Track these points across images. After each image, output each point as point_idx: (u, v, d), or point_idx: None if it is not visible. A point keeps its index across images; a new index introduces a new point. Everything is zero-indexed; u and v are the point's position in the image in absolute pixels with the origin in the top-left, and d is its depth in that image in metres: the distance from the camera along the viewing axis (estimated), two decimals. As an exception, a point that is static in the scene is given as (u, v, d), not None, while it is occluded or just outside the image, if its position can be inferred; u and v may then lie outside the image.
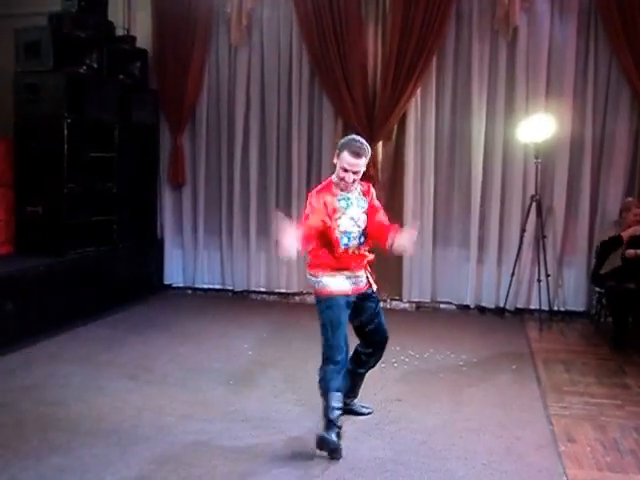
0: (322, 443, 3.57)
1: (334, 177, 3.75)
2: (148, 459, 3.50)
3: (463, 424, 4.06)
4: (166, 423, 3.98)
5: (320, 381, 3.72)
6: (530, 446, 3.77)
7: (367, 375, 4.61)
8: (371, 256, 3.90)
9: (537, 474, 3.44)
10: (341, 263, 3.74)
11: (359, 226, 3.75)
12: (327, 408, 3.64)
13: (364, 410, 4.17)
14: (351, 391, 4.07)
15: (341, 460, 3.54)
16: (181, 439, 3.76)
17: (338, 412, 3.64)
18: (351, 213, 3.72)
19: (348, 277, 3.77)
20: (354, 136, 3.80)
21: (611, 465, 3.56)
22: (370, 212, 3.80)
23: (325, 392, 3.68)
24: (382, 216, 3.87)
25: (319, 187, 3.84)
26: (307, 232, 3.55)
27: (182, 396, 4.44)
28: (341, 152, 3.65)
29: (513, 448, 3.74)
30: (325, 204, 3.67)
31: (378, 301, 4.05)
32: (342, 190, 3.72)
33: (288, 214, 7.04)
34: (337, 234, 3.68)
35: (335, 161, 3.70)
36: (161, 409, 4.20)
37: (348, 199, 3.73)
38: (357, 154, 3.62)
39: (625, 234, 5.99)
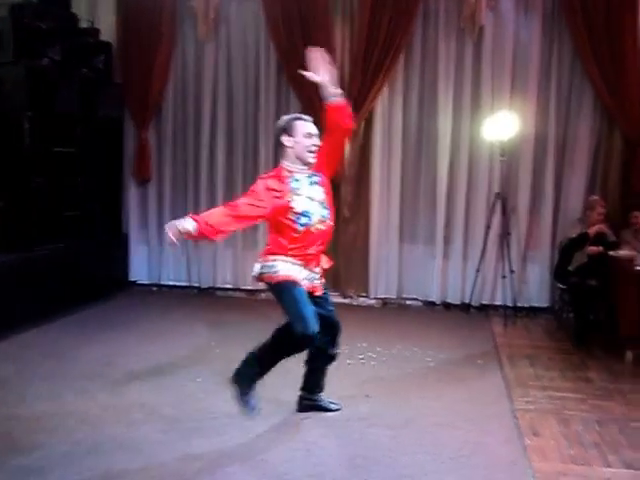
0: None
1: (288, 161, 3.69)
2: (115, 457, 3.46)
3: (431, 419, 4.09)
4: (134, 420, 3.94)
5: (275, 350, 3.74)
6: (497, 440, 3.82)
7: (335, 372, 4.64)
8: (328, 262, 3.90)
9: (504, 468, 3.49)
10: (303, 250, 3.67)
11: (318, 200, 3.70)
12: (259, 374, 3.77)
13: (332, 406, 4.18)
14: (316, 386, 4.10)
15: (311, 457, 3.54)
16: (149, 437, 3.72)
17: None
18: (305, 192, 3.66)
19: (303, 271, 3.71)
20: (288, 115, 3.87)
21: (575, 458, 3.63)
22: (325, 168, 3.76)
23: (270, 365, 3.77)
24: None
25: (266, 174, 3.78)
26: (229, 213, 3.52)
27: (149, 394, 4.39)
28: (293, 124, 3.68)
29: (481, 442, 3.79)
30: (269, 189, 3.58)
31: (328, 294, 4.01)
32: (306, 164, 3.68)
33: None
34: (292, 216, 3.62)
35: (286, 141, 3.65)
36: (128, 407, 4.15)
37: (297, 180, 3.68)
38: (308, 119, 3.75)
39: (591, 231, 6.11)
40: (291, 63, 6.94)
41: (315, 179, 3.75)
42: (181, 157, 7.50)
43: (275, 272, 3.67)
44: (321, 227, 3.72)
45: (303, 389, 4.13)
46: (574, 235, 6.20)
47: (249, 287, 7.46)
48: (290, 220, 3.63)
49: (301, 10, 6.84)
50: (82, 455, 3.48)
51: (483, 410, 4.27)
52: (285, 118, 3.79)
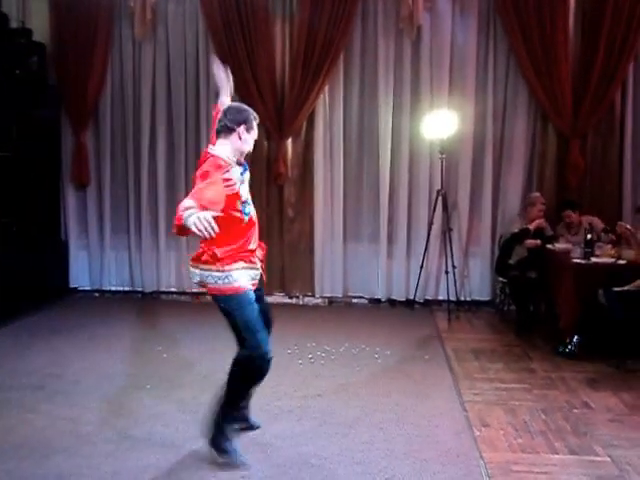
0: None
1: (227, 153, 3.41)
2: (67, 470, 3.37)
3: (382, 415, 4.14)
4: (83, 432, 3.85)
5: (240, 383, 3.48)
6: (447, 433, 3.90)
7: (285, 372, 4.65)
8: (262, 251, 3.71)
9: (455, 459, 3.56)
10: (247, 242, 3.49)
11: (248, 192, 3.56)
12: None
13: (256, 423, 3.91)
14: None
15: (266, 459, 3.54)
16: (101, 448, 3.64)
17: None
18: (244, 179, 3.50)
19: (250, 272, 3.52)
20: (239, 105, 3.63)
21: (523, 446, 3.74)
22: None
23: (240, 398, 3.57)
24: None
25: (211, 166, 3.33)
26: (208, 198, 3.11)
27: (98, 403, 4.29)
28: (252, 124, 3.51)
29: (431, 436, 3.86)
30: (224, 179, 3.32)
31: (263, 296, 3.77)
32: (238, 164, 3.46)
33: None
34: (239, 205, 3.42)
35: (242, 131, 3.43)
36: (76, 418, 4.04)
37: (235, 170, 3.44)
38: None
39: (532, 226, 6.29)
40: (231, 63, 6.87)
41: (246, 173, 3.56)
42: (121, 160, 7.36)
43: (229, 281, 3.39)
44: (254, 217, 3.60)
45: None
46: (516, 230, 6.37)
47: (194, 290, 7.36)
48: (238, 210, 3.41)
49: (240, 9, 6.81)
50: (30, 470, 3.37)
51: (432, 404, 4.35)
52: (246, 110, 3.55)
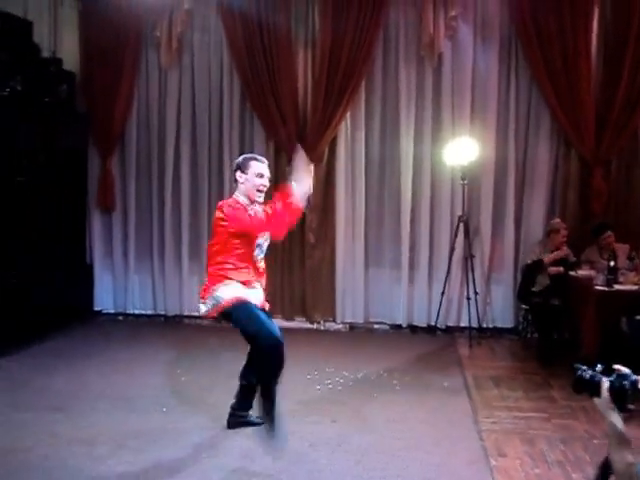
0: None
1: (240, 195, 3.99)
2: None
3: (397, 442, 4.11)
4: (98, 454, 3.88)
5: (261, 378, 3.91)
6: (462, 462, 3.85)
7: (302, 397, 4.66)
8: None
9: (469, 489, 3.52)
10: (246, 275, 3.92)
11: (266, 239, 4.05)
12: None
13: (259, 420, 4.10)
14: (248, 403, 4.17)
15: (277, 484, 3.54)
16: (114, 470, 3.68)
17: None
18: None
19: (248, 290, 3.93)
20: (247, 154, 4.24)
21: (540, 477, 3.68)
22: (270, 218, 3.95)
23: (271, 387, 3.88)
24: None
25: (232, 207, 3.93)
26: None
27: (114, 426, 4.33)
28: (248, 163, 3.98)
29: (446, 464, 3.81)
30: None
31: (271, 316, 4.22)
32: (252, 202, 3.96)
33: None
34: (253, 243, 3.95)
35: (239, 177, 3.98)
36: (92, 440, 4.08)
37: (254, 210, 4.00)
38: (263, 162, 4.05)
39: (547, 259, 6.24)
40: (254, 90, 7.02)
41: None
42: (145, 185, 7.48)
43: (225, 298, 3.85)
44: (261, 265, 4.08)
45: (234, 406, 4.22)
46: (529, 261, 6.35)
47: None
48: (248, 245, 3.91)
49: (263, 38, 6.92)
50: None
51: (449, 432, 4.30)
52: (244, 157, 4.10)
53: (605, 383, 2.07)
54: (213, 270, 3.94)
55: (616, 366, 2.14)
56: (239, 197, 3.99)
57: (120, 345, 6.42)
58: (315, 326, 7.27)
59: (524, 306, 6.59)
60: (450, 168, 6.88)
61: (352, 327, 7.29)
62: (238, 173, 3.99)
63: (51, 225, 6.80)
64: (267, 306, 4.14)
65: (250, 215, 3.91)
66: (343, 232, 7.16)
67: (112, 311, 7.64)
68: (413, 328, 7.20)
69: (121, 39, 7.16)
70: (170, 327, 7.33)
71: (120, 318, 7.63)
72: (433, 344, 6.73)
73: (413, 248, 7.12)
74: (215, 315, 3.98)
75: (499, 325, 7.10)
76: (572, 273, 6.06)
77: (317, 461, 3.83)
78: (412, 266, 7.14)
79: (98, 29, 7.18)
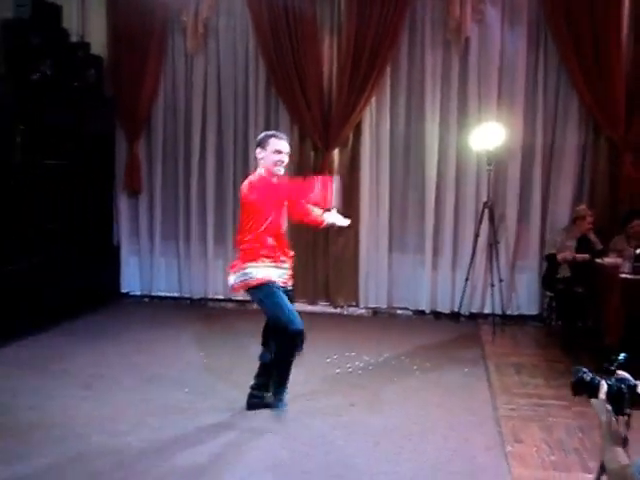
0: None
1: (263, 170, 4.17)
2: (99, 468, 3.49)
3: (414, 427, 4.12)
4: (118, 431, 3.97)
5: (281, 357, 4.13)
6: (478, 447, 3.85)
7: (322, 381, 4.71)
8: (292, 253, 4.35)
9: (484, 474, 3.53)
10: (275, 249, 4.15)
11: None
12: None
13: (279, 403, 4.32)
14: (266, 383, 4.32)
15: (293, 465, 3.58)
16: (134, 447, 3.76)
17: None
18: None
19: (277, 270, 4.15)
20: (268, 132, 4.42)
21: (556, 464, 3.67)
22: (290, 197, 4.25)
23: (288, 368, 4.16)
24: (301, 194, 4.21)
25: (260, 183, 4.14)
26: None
27: (135, 404, 4.42)
28: (267, 140, 4.15)
29: (462, 450, 3.82)
30: None
31: (294, 297, 4.48)
32: (272, 176, 4.15)
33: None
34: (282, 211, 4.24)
35: (258, 153, 4.18)
36: (114, 417, 4.18)
37: None
38: (284, 138, 4.21)
39: (560, 257, 6.20)
40: (279, 75, 7.03)
41: None
42: (171, 169, 7.55)
43: (253, 276, 4.07)
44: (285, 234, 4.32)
45: (253, 386, 4.32)
46: (547, 253, 6.35)
47: (240, 298, 7.48)
48: (276, 214, 4.15)
49: (289, 23, 6.91)
50: (65, 465, 3.51)
51: (466, 417, 4.30)
52: (260, 136, 4.28)
53: (604, 386, 2.09)
54: (244, 247, 4.13)
55: (618, 371, 2.16)
56: (261, 172, 4.18)
57: (145, 326, 6.52)
58: (338, 310, 7.29)
59: (549, 293, 6.53)
60: (476, 153, 6.82)
61: (375, 312, 7.30)
62: (258, 150, 4.17)
63: (79, 208, 6.92)
64: (290, 282, 4.30)
65: (273, 182, 4.14)
66: (367, 217, 7.16)
67: (138, 293, 7.76)
68: (436, 314, 7.19)
69: (148, 24, 7.21)
70: (195, 309, 7.41)
71: (146, 300, 7.74)
72: (456, 330, 6.71)
73: (437, 234, 7.09)
74: (240, 289, 4.20)
75: (524, 312, 7.05)
76: (598, 260, 5.97)
77: (334, 443, 3.86)
78: (436, 252, 7.11)
79: (125, 14, 7.24)
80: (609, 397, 2.07)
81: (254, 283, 4.08)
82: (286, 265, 4.24)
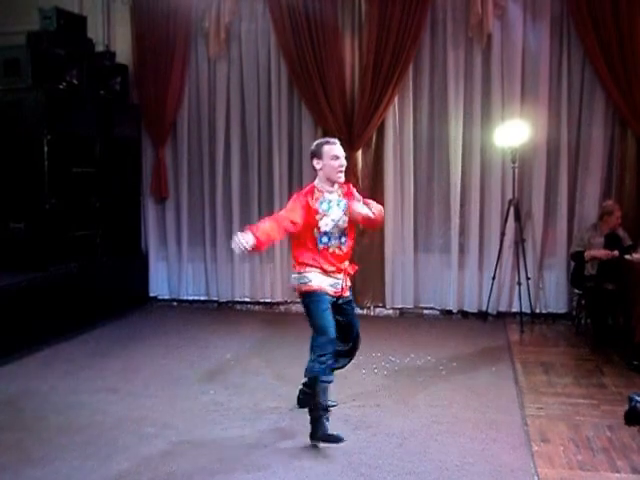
0: (326, 437, 3.84)
1: (317, 181, 4.03)
2: (126, 470, 3.54)
3: (439, 427, 4.11)
4: (145, 433, 4.02)
5: (312, 373, 3.90)
6: (504, 447, 3.82)
7: (347, 382, 4.69)
8: (352, 267, 4.20)
9: (509, 474, 3.49)
10: (322, 262, 3.98)
11: (339, 227, 4.02)
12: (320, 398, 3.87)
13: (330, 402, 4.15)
14: None
15: (316, 466, 3.59)
16: (160, 449, 3.81)
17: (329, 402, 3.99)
18: (332, 215, 3.99)
19: (329, 279, 4.01)
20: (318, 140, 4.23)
21: (582, 463, 3.62)
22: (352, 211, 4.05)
23: (317, 383, 3.88)
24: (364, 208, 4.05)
25: (302, 190, 4.08)
26: (271, 226, 3.79)
27: (163, 407, 4.48)
28: (321, 149, 3.99)
29: (487, 449, 3.79)
30: (304, 206, 3.94)
31: (354, 307, 4.36)
32: (333, 184, 4.00)
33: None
34: (316, 234, 3.97)
35: (316, 164, 4.00)
36: (141, 420, 4.24)
37: (329, 202, 4.00)
38: (336, 143, 4.05)
39: (588, 255, 6.11)
40: (301, 77, 7.05)
41: (343, 205, 4.04)
42: (197, 174, 7.63)
43: (304, 282, 3.98)
44: (338, 252, 4.06)
45: (305, 384, 4.22)
46: (573, 251, 6.31)
47: (267, 300, 7.55)
48: (313, 236, 3.98)
49: (310, 25, 6.94)
50: (94, 468, 3.57)
51: (493, 417, 4.27)
52: (316, 143, 4.11)
53: None
54: (294, 254, 4.08)
55: None
56: (318, 184, 4.03)
57: (173, 330, 6.60)
58: (365, 312, 7.27)
59: (577, 291, 6.44)
60: (500, 151, 6.77)
61: (402, 312, 7.28)
62: (315, 161, 4.01)
63: (108, 214, 7.03)
64: (347, 293, 4.15)
65: (303, 206, 3.94)
66: (392, 217, 7.13)
67: (167, 297, 7.85)
68: (464, 313, 7.14)
69: (171, 32, 7.31)
70: (222, 313, 7.48)
71: (174, 304, 7.83)
72: (483, 330, 6.66)
73: (463, 232, 7.05)
74: (295, 290, 4.14)
75: (552, 310, 6.97)
76: (627, 257, 5.88)
77: (357, 443, 3.86)
78: (462, 250, 7.07)
79: (149, 22, 7.35)
80: None
81: (306, 289, 3.98)
82: (340, 275, 4.06)
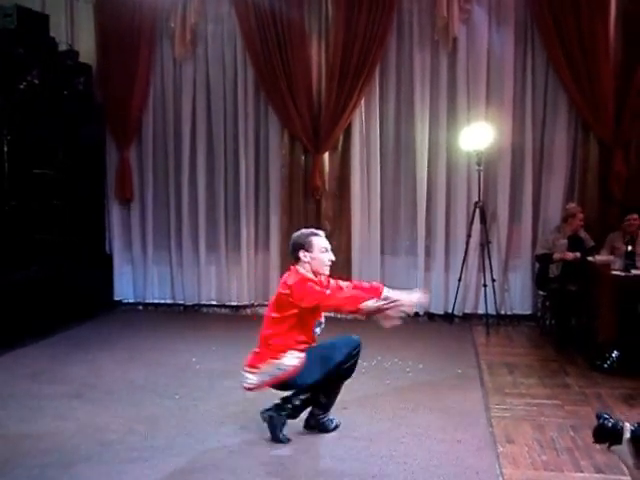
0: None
1: (306, 271, 3.87)
2: (87, 478, 3.46)
3: (405, 430, 4.10)
4: (109, 440, 3.94)
5: None
6: (469, 449, 3.83)
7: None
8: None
9: (474, 476, 3.49)
10: (304, 344, 3.90)
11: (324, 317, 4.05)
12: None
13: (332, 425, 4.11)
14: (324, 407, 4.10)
15: (282, 471, 3.55)
16: (123, 456, 3.72)
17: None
18: None
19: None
20: (297, 234, 4.02)
21: (547, 463, 3.64)
22: None
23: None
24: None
25: (302, 280, 3.82)
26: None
27: (126, 412, 4.39)
28: (310, 242, 3.89)
29: (452, 451, 3.79)
30: None
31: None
32: (318, 276, 3.90)
33: (236, 227, 7.12)
34: (316, 320, 3.96)
35: (304, 256, 3.86)
36: (104, 426, 4.15)
37: None
38: (321, 234, 3.98)
39: (556, 256, 6.19)
40: (268, 79, 7.03)
41: None
42: (162, 176, 7.56)
43: (283, 370, 3.81)
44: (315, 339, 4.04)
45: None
46: (538, 253, 6.37)
47: (234, 303, 7.50)
48: (312, 322, 3.93)
49: (277, 28, 6.93)
50: (56, 476, 3.47)
51: (458, 419, 4.28)
52: (302, 234, 3.98)
53: (627, 432, 2.06)
54: (275, 342, 3.84)
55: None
56: (306, 274, 3.88)
57: (138, 334, 6.52)
58: (332, 314, 7.23)
59: (542, 292, 6.52)
60: (466, 154, 6.82)
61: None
62: (301, 252, 3.88)
63: (70, 217, 6.91)
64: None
65: (320, 285, 3.87)
66: (359, 219, 7.16)
67: (132, 301, 7.76)
68: (430, 316, 7.17)
69: (135, 31, 7.23)
70: (188, 316, 7.42)
71: (140, 307, 7.74)
72: (449, 331, 6.71)
73: (429, 235, 7.10)
74: (271, 385, 3.88)
75: (518, 312, 7.05)
76: (589, 258, 5.97)
77: (323, 447, 3.84)
78: (428, 253, 7.12)
79: (113, 21, 7.26)
80: (633, 442, 2.03)
81: (289, 372, 3.80)
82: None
